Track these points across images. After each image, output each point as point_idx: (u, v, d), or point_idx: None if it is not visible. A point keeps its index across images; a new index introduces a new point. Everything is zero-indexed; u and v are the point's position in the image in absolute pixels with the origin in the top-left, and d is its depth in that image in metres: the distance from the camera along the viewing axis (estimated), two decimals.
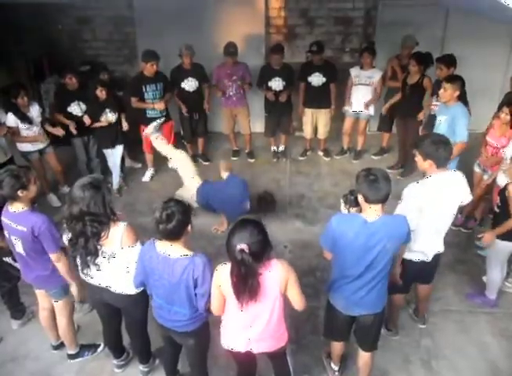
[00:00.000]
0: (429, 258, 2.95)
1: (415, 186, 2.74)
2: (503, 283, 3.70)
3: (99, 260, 2.53)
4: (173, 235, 2.27)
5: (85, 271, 2.59)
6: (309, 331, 3.40)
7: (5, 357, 3.30)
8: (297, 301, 2.29)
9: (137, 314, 2.83)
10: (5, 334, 3.49)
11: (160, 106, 5.20)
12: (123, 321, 2.98)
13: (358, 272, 2.45)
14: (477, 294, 3.69)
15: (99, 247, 2.48)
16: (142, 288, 2.65)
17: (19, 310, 3.56)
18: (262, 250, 2.10)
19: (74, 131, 4.98)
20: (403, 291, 3.14)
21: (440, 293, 3.69)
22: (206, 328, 2.58)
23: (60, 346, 3.31)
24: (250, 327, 2.29)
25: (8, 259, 3.22)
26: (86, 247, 2.45)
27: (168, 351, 2.85)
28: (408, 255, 2.92)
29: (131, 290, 2.65)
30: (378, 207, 2.36)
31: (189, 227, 2.33)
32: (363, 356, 2.85)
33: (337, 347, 2.93)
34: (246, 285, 2.09)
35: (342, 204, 2.83)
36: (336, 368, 3.08)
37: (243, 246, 2.03)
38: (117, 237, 2.48)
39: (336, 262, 2.57)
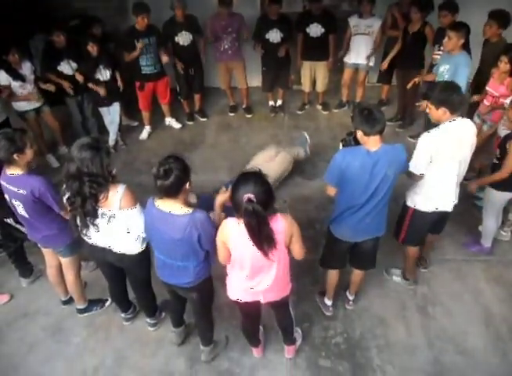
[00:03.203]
0: (448, 208, 3.02)
1: (428, 135, 2.77)
2: (498, 231, 3.79)
3: (98, 221, 2.55)
4: (171, 191, 2.26)
5: (85, 231, 2.61)
6: (309, 282, 3.51)
7: (17, 313, 3.42)
8: (298, 252, 2.37)
9: (140, 273, 2.89)
10: (15, 291, 3.60)
11: (140, 45, 4.93)
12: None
13: (363, 200, 2.61)
14: (473, 243, 3.79)
15: (97, 208, 2.49)
16: (144, 247, 2.71)
17: (28, 269, 3.65)
18: (268, 199, 2.12)
19: (70, 92, 4.89)
20: (419, 244, 3.28)
21: (436, 243, 3.77)
22: (209, 282, 2.65)
23: (69, 301, 3.43)
24: (257, 278, 2.36)
25: (9, 220, 3.26)
26: (83, 206, 2.46)
27: (174, 303, 2.95)
28: (425, 207, 3.00)
29: (133, 250, 2.69)
30: (377, 137, 2.48)
31: (188, 185, 2.32)
32: (359, 274, 3.15)
33: (334, 276, 3.14)
34: (261, 235, 2.12)
35: (341, 147, 2.89)
36: (330, 303, 3.27)
37: (251, 195, 2.05)
38: (116, 199, 2.48)
39: (342, 195, 2.70)
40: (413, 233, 3.16)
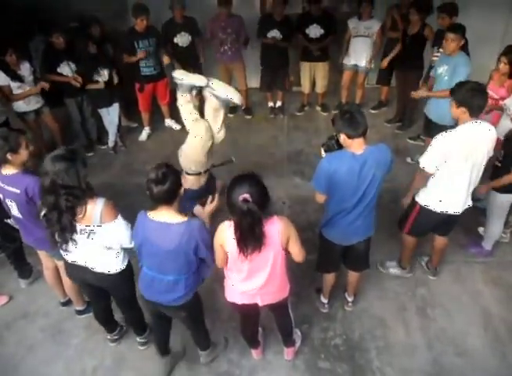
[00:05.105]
0: (457, 210, 3.03)
1: (445, 133, 2.79)
2: None
3: (76, 237, 2.42)
4: (168, 197, 2.22)
5: (64, 247, 2.46)
6: (308, 284, 3.51)
7: (16, 314, 3.41)
8: (298, 255, 2.37)
9: (123, 292, 2.78)
10: (14, 292, 3.59)
11: (142, 55, 4.98)
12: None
13: (353, 203, 2.61)
14: (473, 245, 3.78)
15: (75, 223, 2.36)
16: (125, 266, 2.63)
17: (26, 270, 3.65)
18: (263, 199, 2.12)
19: (77, 84, 4.80)
20: (417, 236, 3.31)
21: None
22: (196, 298, 2.56)
23: (68, 303, 3.42)
24: (254, 280, 2.36)
25: (9, 221, 3.25)
26: (60, 221, 2.33)
27: (158, 329, 2.84)
28: (432, 206, 3.03)
29: (113, 268, 2.60)
30: (361, 140, 2.48)
31: (182, 190, 2.31)
32: (355, 275, 3.16)
33: (330, 278, 3.16)
34: (253, 235, 2.12)
35: (323, 152, 2.85)
36: (325, 301, 3.31)
37: (246, 195, 2.05)
38: (95, 213, 2.36)
39: (331, 200, 2.69)
40: (418, 227, 3.21)
